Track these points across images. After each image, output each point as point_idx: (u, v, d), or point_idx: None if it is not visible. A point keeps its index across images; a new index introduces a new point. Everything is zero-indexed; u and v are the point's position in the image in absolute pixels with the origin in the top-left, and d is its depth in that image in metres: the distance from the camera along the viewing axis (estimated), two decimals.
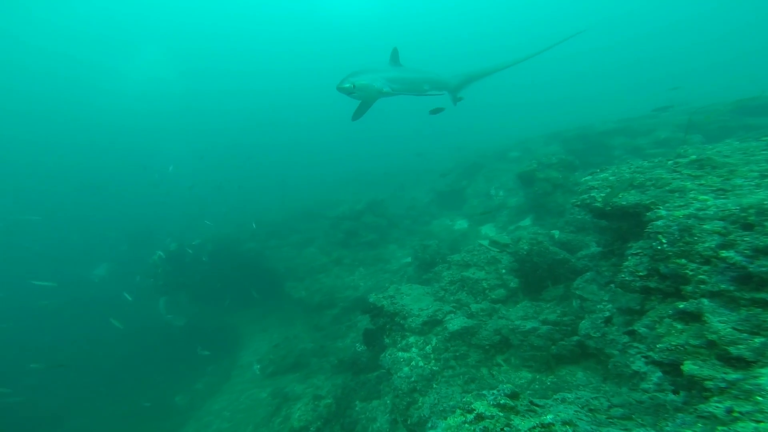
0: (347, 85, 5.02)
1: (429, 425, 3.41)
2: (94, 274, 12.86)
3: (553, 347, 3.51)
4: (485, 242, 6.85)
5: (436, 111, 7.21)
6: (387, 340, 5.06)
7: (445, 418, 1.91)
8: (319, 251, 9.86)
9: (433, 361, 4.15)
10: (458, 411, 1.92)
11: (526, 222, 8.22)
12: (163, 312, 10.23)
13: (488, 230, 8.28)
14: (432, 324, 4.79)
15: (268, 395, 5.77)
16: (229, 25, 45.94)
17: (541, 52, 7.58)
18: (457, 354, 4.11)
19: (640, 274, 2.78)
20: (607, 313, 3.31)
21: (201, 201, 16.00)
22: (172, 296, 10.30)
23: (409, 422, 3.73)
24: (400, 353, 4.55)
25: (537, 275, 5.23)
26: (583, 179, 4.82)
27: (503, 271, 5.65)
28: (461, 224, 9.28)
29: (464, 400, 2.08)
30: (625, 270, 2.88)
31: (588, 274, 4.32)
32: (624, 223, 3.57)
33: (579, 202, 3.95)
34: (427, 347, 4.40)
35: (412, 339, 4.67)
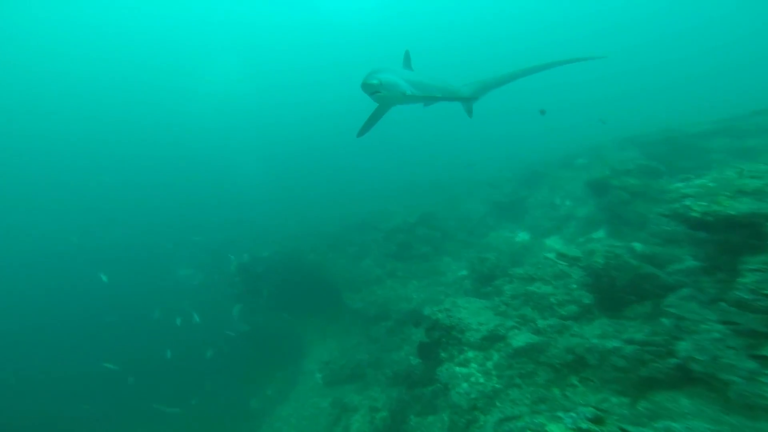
0: (374, 82, 4.41)
1: None
2: (180, 274, 14.68)
3: (642, 369, 3.02)
4: (552, 255, 6.34)
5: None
6: (443, 354, 4.87)
7: None
8: (374, 263, 10.04)
9: (495, 377, 3.86)
10: None
11: (599, 234, 7.38)
12: (236, 318, 11.29)
13: (554, 243, 7.60)
14: (493, 339, 4.49)
15: (328, 405, 5.93)
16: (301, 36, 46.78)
17: (559, 63, 6.88)
18: (523, 372, 3.77)
19: (765, 292, 2.32)
20: (717, 335, 2.76)
21: (270, 213, 17.51)
22: (245, 304, 11.34)
23: None
24: (457, 368, 4.34)
25: (616, 291, 4.63)
26: (673, 186, 4.22)
27: (574, 286, 5.13)
28: (523, 236, 8.68)
29: (535, 421, 1.90)
30: (742, 287, 2.44)
31: (684, 290, 3.69)
32: (732, 235, 3.02)
33: (668, 212, 3.49)
34: (488, 363, 4.12)
35: (470, 354, 4.43)
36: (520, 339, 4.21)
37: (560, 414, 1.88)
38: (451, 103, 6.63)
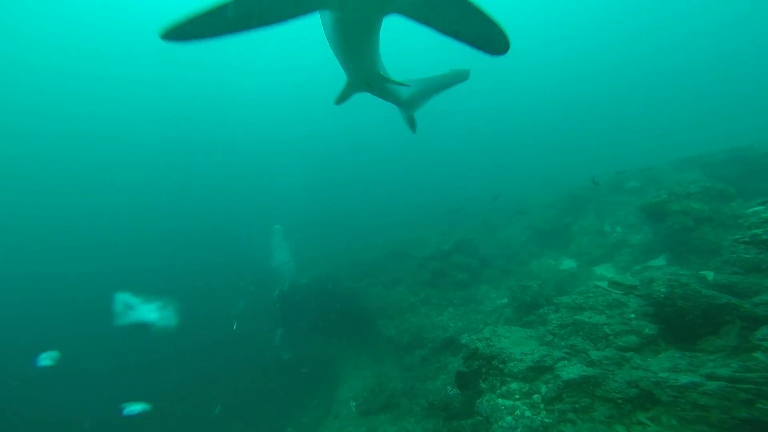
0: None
1: None
2: (236, 307, 15.34)
3: (742, 411, 2.54)
4: (603, 284, 5.84)
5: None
6: (483, 385, 4.49)
7: None
8: (407, 290, 9.83)
9: (544, 411, 3.46)
10: None
11: (659, 262, 6.64)
12: (278, 344, 11.47)
13: (605, 271, 6.94)
14: (539, 370, 4.08)
15: None
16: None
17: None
18: (577, 406, 3.33)
19: None
20: None
21: (310, 241, 18.08)
22: (286, 330, 11.56)
23: None
24: (500, 400, 3.96)
25: (686, 322, 4.06)
26: (750, 210, 3.79)
27: (632, 315, 4.62)
28: (568, 264, 8.05)
29: None
30: None
31: None
32: None
33: (748, 239, 3.11)
34: (535, 396, 3.72)
35: (514, 385, 4.04)
36: (572, 371, 3.77)
37: None
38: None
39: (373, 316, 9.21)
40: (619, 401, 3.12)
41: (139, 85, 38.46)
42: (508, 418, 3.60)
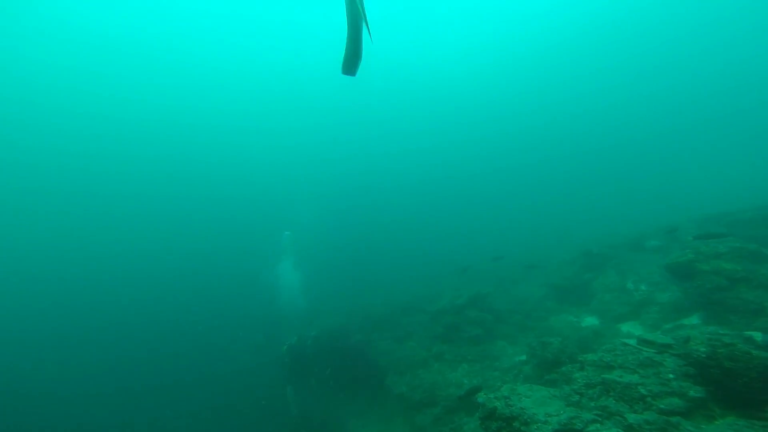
0: None
1: None
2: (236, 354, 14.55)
3: None
4: (632, 341, 5.44)
5: None
6: None
7: None
8: (419, 345, 9.24)
9: None
10: None
11: (692, 320, 6.16)
12: (291, 399, 10.65)
13: (632, 329, 6.43)
14: None
15: None
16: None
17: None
18: None
19: None
20: None
21: (320, 296, 17.57)
22: (295, 385, 10.83)
23: None
24: None
25: (740, 385, 3.64)
26: None
27: (670, 375, 4.20)
28: (590, 321, 7.51)
29: None
30: None
31: None
32: None
33: None
34: None
35: None
36: None
37: None
38: None
39: (383, 372, 8.56)
40: None
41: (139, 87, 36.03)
42: None
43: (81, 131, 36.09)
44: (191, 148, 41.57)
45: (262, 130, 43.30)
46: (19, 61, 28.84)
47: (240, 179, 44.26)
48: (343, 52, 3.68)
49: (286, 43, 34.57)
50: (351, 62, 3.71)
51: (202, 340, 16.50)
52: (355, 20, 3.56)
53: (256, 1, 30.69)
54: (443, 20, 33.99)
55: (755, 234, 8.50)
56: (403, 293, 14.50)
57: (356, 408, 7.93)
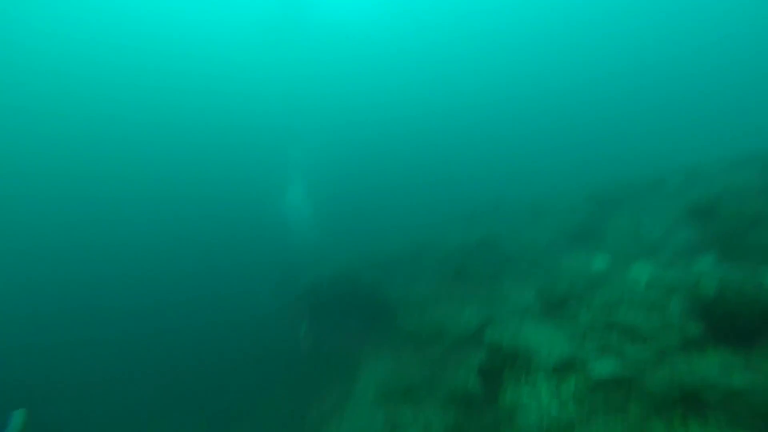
0: None
1: None
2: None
3: None
4: (641, 282, 5.51)
5: None
6: (507, 380, 4.36)
7: None
8: (428, 285, 9.74)
9: (573, 408, 3.30)
10: None
11: (705, 262, 6.15)
12: (302, 336, 11.74)
13: (642, 270, 6.51)
14: (568, 366, 3.91)
15: (381, 424, 5.66)
16: None
17: None
18: (610, 404, 3.15)
19: None
20: None
21: (331, 242, 18.07)
22: (310, 321, 11.80)
23: None
24: (525, 395, 3.82)
25: (740, 323, 3.75)
26: None
27: (674, 316, 4.32)
28: (600, 263, 7.63)
29: None
30: None
31: None
32: None
33: None
34: (563, 392, 3.56)
35: (541, 380, 3.89)
36: (605, 368, 3.58)
37: None
38: None
39: (393, 310, 9.20)
40: (659, 402, 2.91)
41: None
42: (533, 413, 3.47)
43: None
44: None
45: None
46: None
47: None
48: None
49: None
50: None
51: (212, 291, 17.23)
52: None
53: None
54: None
55: None
56: (412, 236, 14.88)
57: (370, 341, 8.73)
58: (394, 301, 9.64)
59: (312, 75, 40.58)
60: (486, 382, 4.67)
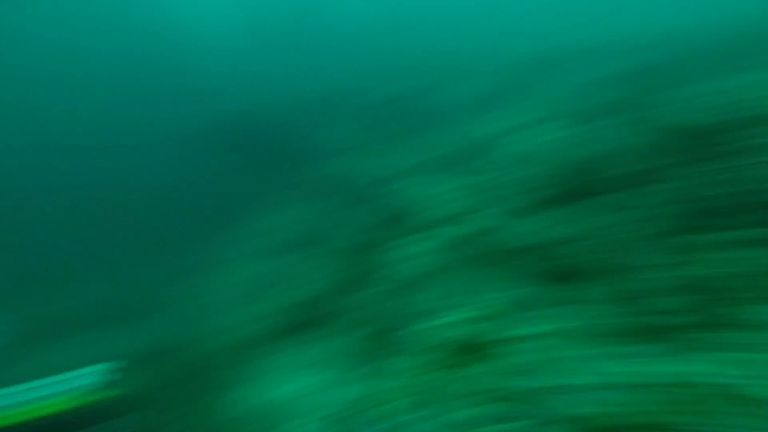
0: None
1: None
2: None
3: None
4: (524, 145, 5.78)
5: None
6: (393, 232, 4.78)
7: None
8: (346, 133, 9.14)
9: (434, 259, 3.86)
10: None
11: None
12: (210, 176, 10.48)
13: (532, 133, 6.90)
14: (443, 222, 4.35)
15: (273, 270, 5.83)
16: None
17: None
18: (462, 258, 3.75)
19: None
20: None
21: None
22: (217, 157, 10.44)
23: None
24: (404, 247, 4.29)
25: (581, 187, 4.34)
26: None
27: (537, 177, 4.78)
28: (501, 125, 7.87)
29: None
30: None
31: None
32: None
33: None
34: (431, 246, 4.08)
35: (420, 233, 4.33)
36: (467, 226, 4.07)
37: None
38: None
39: (301, 154, 8.75)
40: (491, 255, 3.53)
41: None
42: (407, 263, 3.98)
43: None
44: None
45: None
46: None
47: None
48: None
49: None
50: None
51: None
52: None
53: None
54: None
55: None
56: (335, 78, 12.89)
57: (277, 187, 8.51)
58: (304, 145, 9.05)
59: None
60: (373, 235, 5.08)
